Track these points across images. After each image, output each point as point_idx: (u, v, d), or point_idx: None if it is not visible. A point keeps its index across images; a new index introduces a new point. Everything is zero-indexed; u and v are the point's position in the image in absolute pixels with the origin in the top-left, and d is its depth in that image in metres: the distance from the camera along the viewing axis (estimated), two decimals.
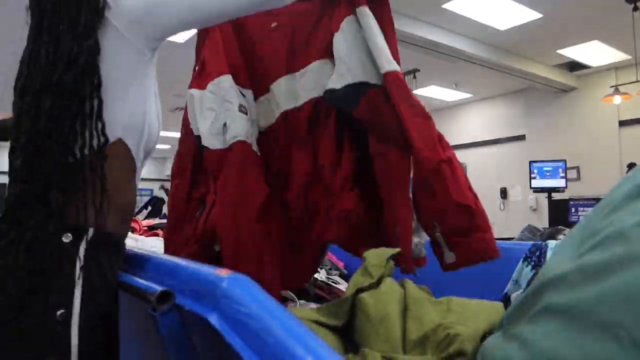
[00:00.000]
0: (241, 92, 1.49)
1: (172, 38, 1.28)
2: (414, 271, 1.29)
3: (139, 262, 0.95)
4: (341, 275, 2.00)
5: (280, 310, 0.55)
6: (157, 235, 2.59)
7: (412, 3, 5.25)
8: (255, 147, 1.46)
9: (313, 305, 1.23)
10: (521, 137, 8.68)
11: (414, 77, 7.43)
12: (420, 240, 1.35)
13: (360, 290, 0.99)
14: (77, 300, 0.85)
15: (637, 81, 5.77)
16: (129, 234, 1.19)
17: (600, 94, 6.69)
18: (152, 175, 13.17)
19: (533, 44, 6.42)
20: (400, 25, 5.50)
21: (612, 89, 6.11)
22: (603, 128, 7.59)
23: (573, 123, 7.95)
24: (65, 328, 0.83)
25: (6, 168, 0.96)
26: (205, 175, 1.52)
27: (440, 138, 1.30)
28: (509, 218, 8.34)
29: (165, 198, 3.03)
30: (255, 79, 1.57)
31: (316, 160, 1.46)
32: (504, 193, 8.75)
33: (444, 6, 5.32)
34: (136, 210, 4.41)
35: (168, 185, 1.90)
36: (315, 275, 1.82)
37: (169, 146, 12.80)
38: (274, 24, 1.55)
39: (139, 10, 0.96)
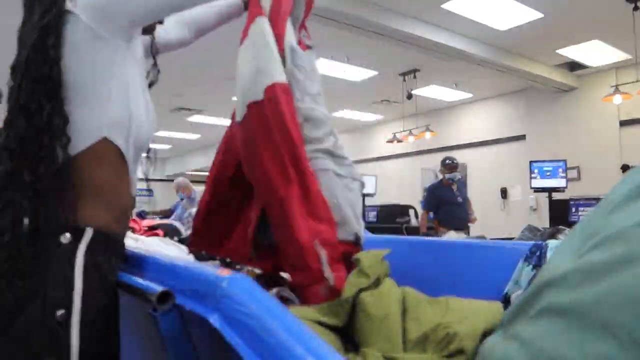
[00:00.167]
0: None
1: None
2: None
3: (139, 262, 0.95)
4: None
5: (280, 310, 0.55)
6: (157, 235, 2.59)
7: (412, 3, 5.25)
8: None
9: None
10: (521, 137, 8.68)
11: (414, 77, 7.44)
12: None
13: (361, 290, 0.99)
14: (76, 301, 0.84)
15: (638, 81, 5.76)
16: (129, 233, 1.19)
17: (601, 94, 6.67)
18: (152, 175, 13.10)
19: (533, 43, 6.42)
20: (400, 25, 5.50)
21: (613, 88, 6.10)
22: (603, 128, 7.59)
23: (573, 123, 7.95)
24: (65, 328, 0.83)
25: None
26: None
27: None
28: (509, 218, 8.35)
29: (182, 229, 2.95)
30: None
31: None
32: (504, 193, 8.75)
33: (444, 6, 5.32)
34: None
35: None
36: None
37: (169, 146, 12.54)
38: None
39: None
